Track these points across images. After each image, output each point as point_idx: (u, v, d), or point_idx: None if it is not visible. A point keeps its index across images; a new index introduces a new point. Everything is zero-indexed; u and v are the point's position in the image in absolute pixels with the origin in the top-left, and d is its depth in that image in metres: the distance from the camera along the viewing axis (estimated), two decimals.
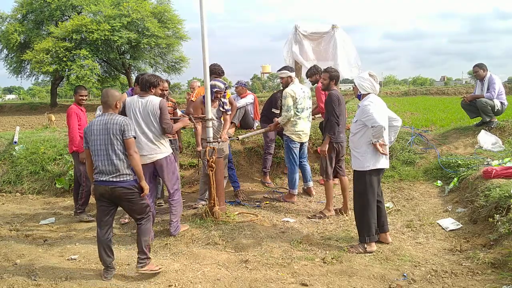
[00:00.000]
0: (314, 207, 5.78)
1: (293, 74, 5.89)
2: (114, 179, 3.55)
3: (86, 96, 6.04)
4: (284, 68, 5.95)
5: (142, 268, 3.68)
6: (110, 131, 3.55)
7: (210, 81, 5.27)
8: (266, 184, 6.87)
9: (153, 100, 4.44)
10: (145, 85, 4.47)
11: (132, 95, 4.86)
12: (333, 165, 5.30)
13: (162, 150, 4.55)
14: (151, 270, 3.69)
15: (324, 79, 5.34)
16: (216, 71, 5.92)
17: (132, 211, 3.74)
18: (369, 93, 4.21)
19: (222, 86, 5.47)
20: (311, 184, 6.30)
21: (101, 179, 3.58)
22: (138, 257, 3.72)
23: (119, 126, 3.55)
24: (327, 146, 5.17)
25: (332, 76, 5.29)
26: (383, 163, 4.17)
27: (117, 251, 4.39)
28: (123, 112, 4.43)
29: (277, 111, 6.60)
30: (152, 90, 4.49)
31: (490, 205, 4.53)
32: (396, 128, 4.40)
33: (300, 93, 5.75)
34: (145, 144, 4.46)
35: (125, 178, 3.58)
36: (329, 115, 5.15)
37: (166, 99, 6.10)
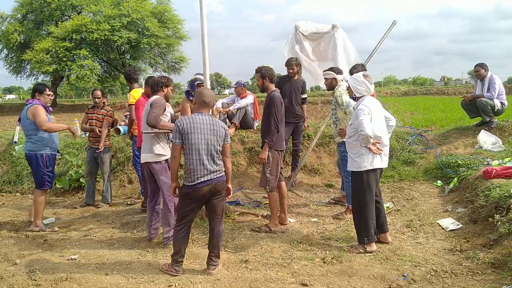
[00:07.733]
0: (314, 208, 5.78)
1: (339, 77, 5.34)
2: (217, 175, 3.62)
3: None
4: (331, 69, 5.50)
5: (215, 269, 3.73)
6: (217, 133, 3.62)
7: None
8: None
9: (151, 99, 4.42)
10: (157, 85, 4.45)
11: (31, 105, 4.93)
12: (278, 176, 4.88)
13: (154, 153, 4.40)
14: (219, 269, 3.79)
15: (257, 79, 4.91)
16: (131, 76, 5.99)
17: (218, 207, 3.73)
18: (364, 95, 4.23)
19: (202, 78, 5.36)
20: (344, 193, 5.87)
21: (204, 179, 3.56)
22: (212, 260, 3.74)
23: (225, 130, 3.68)
24: (267, 153, 4.76)
25: (263, 74, 4.82)
26: (380, 162, 4.16)
27: (117, 251, 4.39)
28: None
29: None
30: (164, 90, 4.48)
31: (490, 205, 4.53)
32: (391, 127, 4.43)
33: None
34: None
35: (223, 174, 3.71)
36: (269, 120, 4.72)
37: (101, 108, 6.29)
